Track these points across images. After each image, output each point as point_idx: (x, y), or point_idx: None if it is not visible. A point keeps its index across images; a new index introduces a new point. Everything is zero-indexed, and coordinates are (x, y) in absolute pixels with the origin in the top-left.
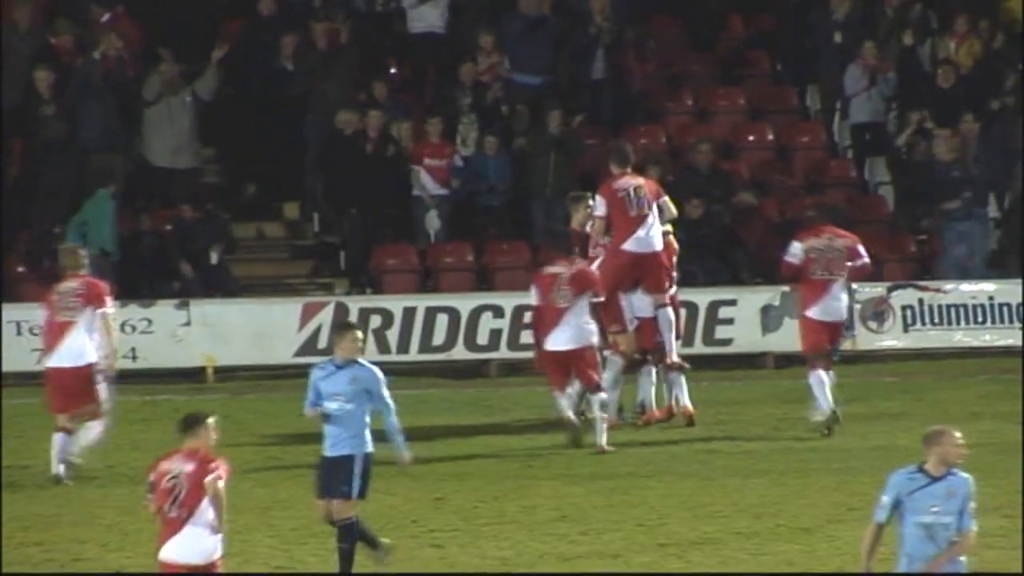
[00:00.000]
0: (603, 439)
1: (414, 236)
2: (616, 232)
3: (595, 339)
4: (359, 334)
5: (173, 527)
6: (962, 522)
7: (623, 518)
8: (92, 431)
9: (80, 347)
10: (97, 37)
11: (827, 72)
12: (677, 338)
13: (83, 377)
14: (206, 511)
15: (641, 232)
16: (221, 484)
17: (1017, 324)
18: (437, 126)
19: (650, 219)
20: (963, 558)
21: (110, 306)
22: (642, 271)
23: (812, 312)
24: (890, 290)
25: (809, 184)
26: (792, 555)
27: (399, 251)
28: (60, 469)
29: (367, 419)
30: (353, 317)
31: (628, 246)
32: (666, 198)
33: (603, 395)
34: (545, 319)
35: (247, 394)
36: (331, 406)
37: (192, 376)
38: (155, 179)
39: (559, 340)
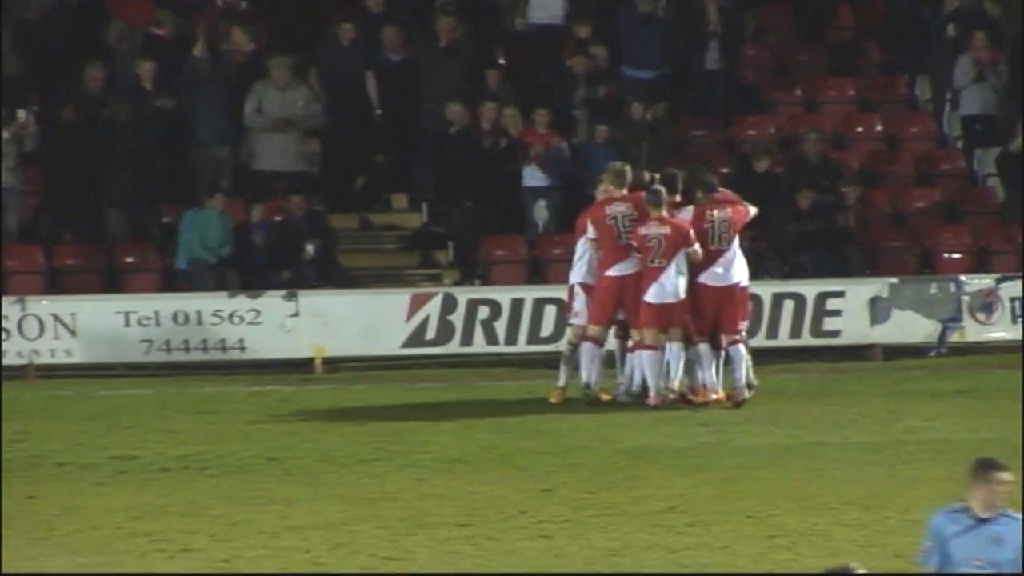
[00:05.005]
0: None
1: (523, 226)
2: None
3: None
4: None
5: (655, 275)
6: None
7: (732, 510)
8: None
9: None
10: (217, 29)
11: (937, 63)
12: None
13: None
14: (680, 262)
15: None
16: (699, 248)
17: None
18: (544, 116)
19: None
20: None
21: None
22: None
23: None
24: (999, 282)
25: (919, 175)
26: (901, 547)
27: (508, 242)
28: None
29: None
30: (461, 308)
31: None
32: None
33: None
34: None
35: (355, 384)
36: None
37: (301, 367)
38: (262, 176)
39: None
